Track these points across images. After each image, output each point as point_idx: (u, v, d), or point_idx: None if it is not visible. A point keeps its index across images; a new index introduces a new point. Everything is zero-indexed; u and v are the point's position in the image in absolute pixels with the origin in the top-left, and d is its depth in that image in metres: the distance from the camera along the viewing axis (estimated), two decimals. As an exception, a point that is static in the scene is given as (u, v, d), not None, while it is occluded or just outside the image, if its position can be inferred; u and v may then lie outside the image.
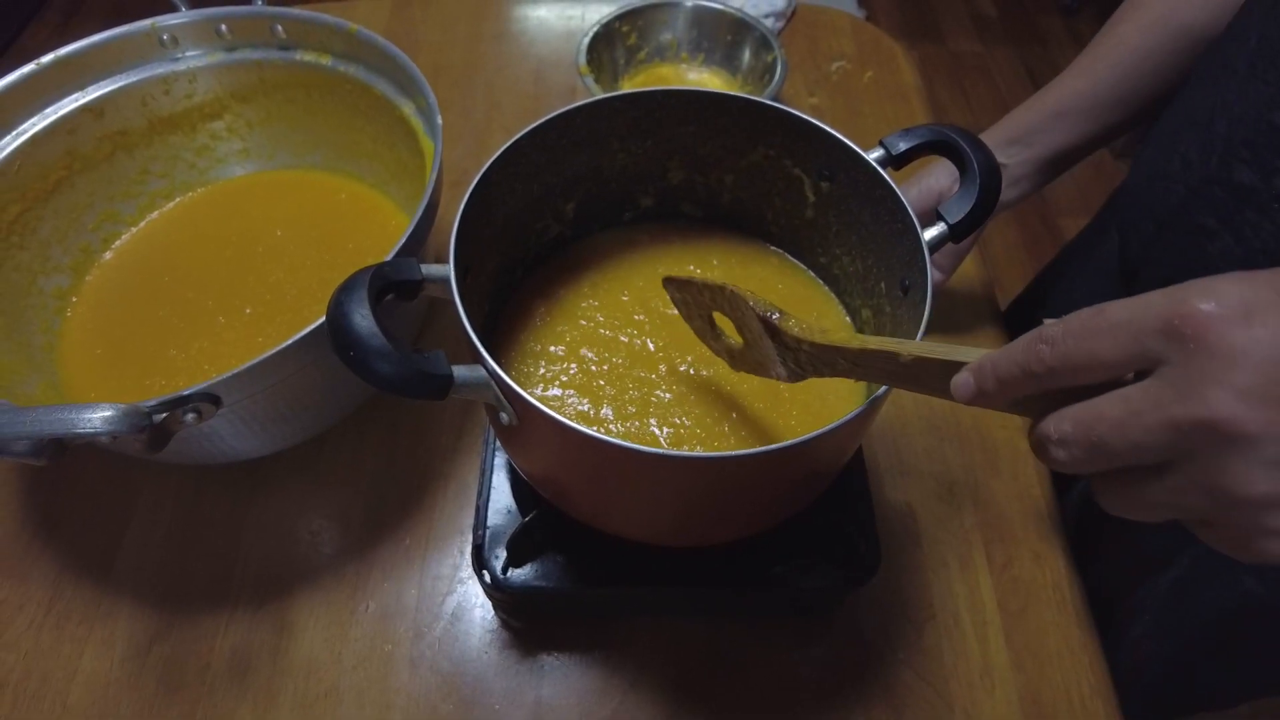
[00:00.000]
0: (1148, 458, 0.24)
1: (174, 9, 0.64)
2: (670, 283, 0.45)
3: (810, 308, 0.55)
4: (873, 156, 0.45)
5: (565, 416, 0.35)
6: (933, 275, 0.41)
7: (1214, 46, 0.51)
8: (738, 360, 0.44)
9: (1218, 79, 0.49)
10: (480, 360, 0.36)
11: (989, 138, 0.61)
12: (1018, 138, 0.60)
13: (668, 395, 0.49)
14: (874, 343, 0.34)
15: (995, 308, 0.70)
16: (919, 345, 0.32)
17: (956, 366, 0.30)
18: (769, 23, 0.90)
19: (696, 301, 0.44)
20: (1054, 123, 0.59)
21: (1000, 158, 0.58)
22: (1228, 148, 0.46)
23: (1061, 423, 0.25)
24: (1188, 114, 0.51)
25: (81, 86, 0.61)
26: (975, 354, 0.29)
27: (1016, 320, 0.72)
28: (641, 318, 0.53)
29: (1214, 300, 0.22)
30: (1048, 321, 0.26)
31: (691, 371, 0.51)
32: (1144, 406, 0.23)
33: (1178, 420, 0.22)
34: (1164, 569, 0.56)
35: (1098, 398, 0.25)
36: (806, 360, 0.38)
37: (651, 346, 0.52)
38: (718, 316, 0.44)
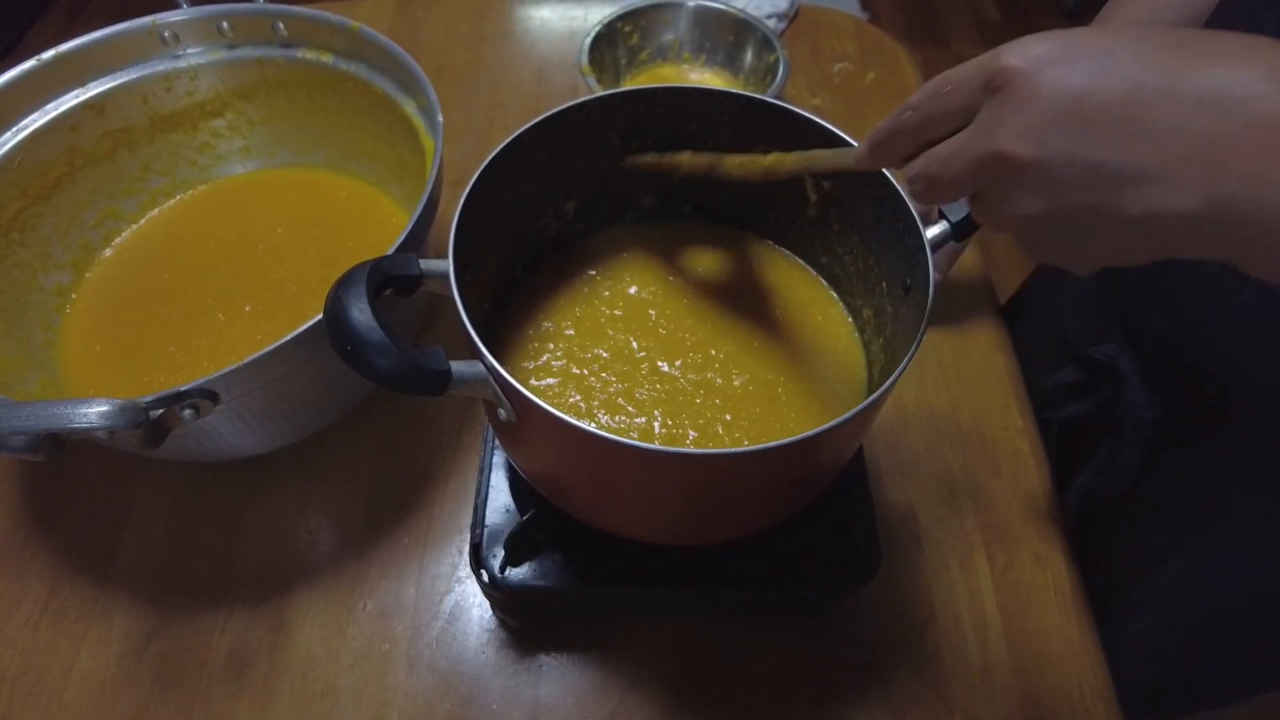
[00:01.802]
0: (965, 186, 0.30)
1: (175, 6, 0.64)
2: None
3: (814, 309, 0.55)
4: (874, 155, 0.45)
5: (564, 413, 0.35)
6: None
7: None
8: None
9: None
10: (479, 356, 0.36)
11: None
12: None
13: (668, 394, 0.49)
14: (791, 161, 0.43)
15: (995, 304, 0.70)
16: (817, 155, 0.41)
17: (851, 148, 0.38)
18: (771, 23, 0.90)
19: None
20: None
21: None
22: None
23: (914, 163, 0.32)
24: None
25: (82, 83, 0.61)
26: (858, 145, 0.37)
27: (1014, 318, 0.72)
28: (644, 316, 0.53)
29: (1020, 55, 0.27)
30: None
31: (693, 373, 0.50)
32: (961, 145, 0.29)
33: (979, 154, 0.28)
34: (1166, 562, 0.56)
35: (940, 144, 0.31)
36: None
37: (653, 346, 0.52)
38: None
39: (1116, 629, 0.57)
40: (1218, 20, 0.50)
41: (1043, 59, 0.26)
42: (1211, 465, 0.52)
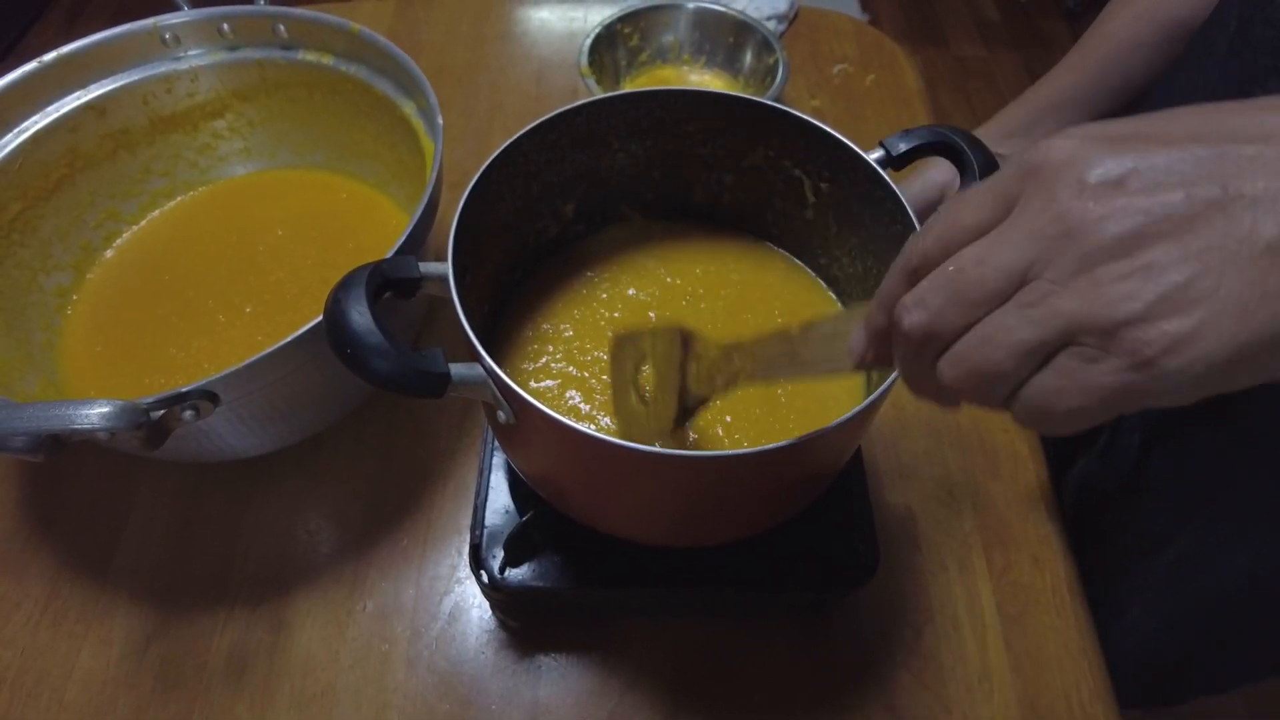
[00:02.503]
0: (1007, 281, 0.22)
1: (176, 8, 0.64)
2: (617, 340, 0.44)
3: (812, 310, 0.55)
4: (873, 157, 0.45)
5: (563, 415, 0.35)
6: None
7: (1198, 33, 0.52)
8: (641, 415, 0.43)
9: (1200, 62, 0.50)
10: (478, 358, 0.36)
11: (985, 133, 0.63)
12: (1014, 131, 0.62)
13: (666, 396, 0.49)
14: (767, 334, 0.33)
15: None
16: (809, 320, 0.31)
17: (847, 326, 0.28)
18: (771, 25, 0.90)
19: (633, 355, 0.43)
20: (1049, 115, 0.60)
21: (999, 149, 0.59)
22: None
23: (917, 286, 0.24)
24: (1172, 97, 0.52)
25: (83, 85, 0.61)
26: (862, 309, 0.27)
27: None
28: (643, 318, 0.53)
29: (1061, 142, 0.22)
30: None
31: (690, 372, 0.50)
32: (1006, 229, 0.22)
33: (1036, 226, 0.21)
34: (1163, 549, 0.56)
35: (958, 253, 0.23)
36: (710, 373, 0.38)
37: (651, 347, 0.52)
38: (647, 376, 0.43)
39: (1113, 615, 0.57)
40: (1222, 7, 0.50)
41: (1081, 130, 0.22)
42: (1212, 451, 0.52)
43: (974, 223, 0.23)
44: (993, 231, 0.22)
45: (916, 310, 0.23)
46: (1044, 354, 0.21)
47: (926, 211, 0.68)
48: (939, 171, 0.60)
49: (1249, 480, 0.50)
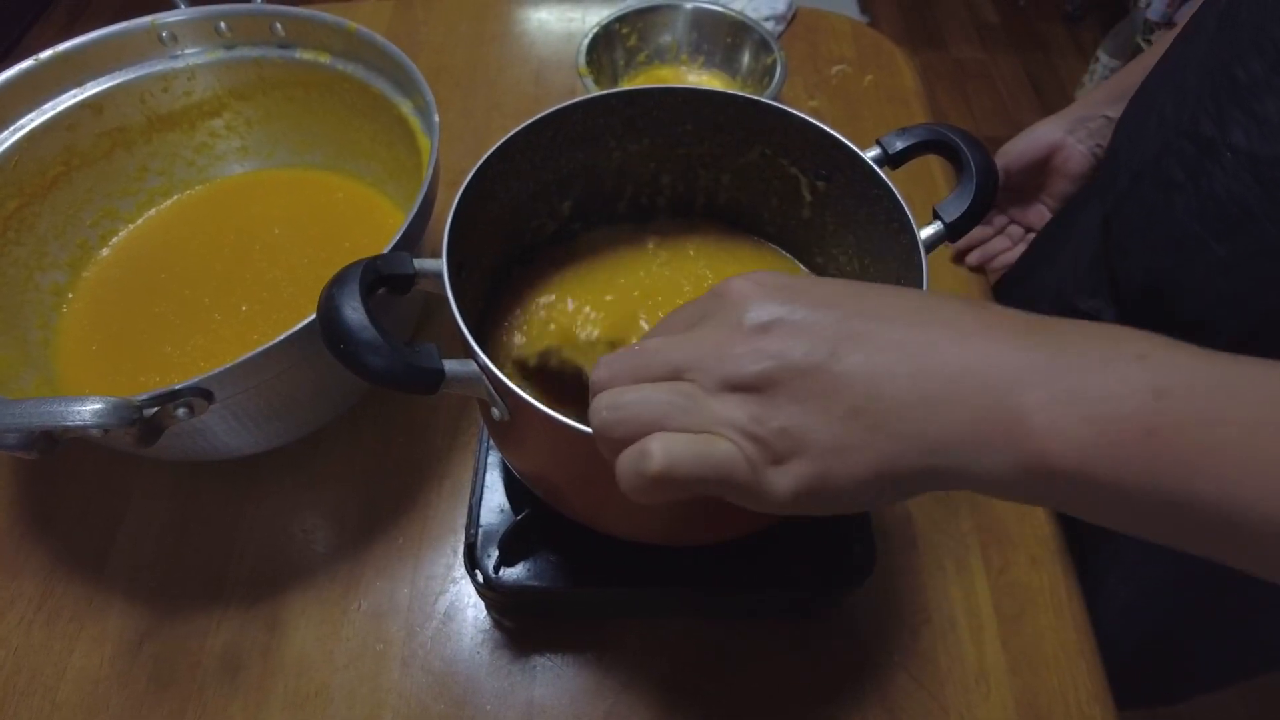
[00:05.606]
0: (668, 371, 0.29)
1: (174, 6, 0.64)
2: None
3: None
4: (869, 156, 0.45)
5: (557, 411, 0.35)
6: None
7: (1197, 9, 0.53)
8: None
9: (1192, 37, 0.50)
10: (471, 354, 0.36)
11: (1097, 95, 0.65)
12: (1126, 93, 0.63)
13: (662, 394, 0.49)
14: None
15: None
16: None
17: None
18: (769, 25, 0.90)
19: None
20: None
21: (1110, 113, 0.64)
22: (1197, 102, 0.48)
23: (614, 354, 0.30)
24: (1167, 72, 0.53)
25: (80, 83, 0.61)
26: None
27: (1012, 283, 0.72)
28: (638, 315, 0.53)
29: (738, 282, 0.29)
30: None
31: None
32: (685, 337, 0.29)
33: (703, 343, 0.28)
34: None
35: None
36: None
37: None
38: None
39: (1096, 580, 0.57)
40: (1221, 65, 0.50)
41: (757, 276, 0.30)
42: None
43: (672, 325, 0.31)
44: (677, 335, 0.30)
45: (602, 368, 0.30)
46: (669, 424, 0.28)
47: (1030, 168, 0.68)
48: (1049, 129, 0.61)
49: None
